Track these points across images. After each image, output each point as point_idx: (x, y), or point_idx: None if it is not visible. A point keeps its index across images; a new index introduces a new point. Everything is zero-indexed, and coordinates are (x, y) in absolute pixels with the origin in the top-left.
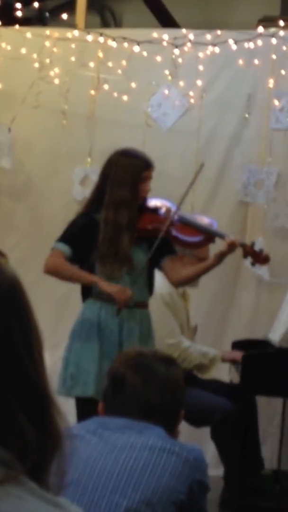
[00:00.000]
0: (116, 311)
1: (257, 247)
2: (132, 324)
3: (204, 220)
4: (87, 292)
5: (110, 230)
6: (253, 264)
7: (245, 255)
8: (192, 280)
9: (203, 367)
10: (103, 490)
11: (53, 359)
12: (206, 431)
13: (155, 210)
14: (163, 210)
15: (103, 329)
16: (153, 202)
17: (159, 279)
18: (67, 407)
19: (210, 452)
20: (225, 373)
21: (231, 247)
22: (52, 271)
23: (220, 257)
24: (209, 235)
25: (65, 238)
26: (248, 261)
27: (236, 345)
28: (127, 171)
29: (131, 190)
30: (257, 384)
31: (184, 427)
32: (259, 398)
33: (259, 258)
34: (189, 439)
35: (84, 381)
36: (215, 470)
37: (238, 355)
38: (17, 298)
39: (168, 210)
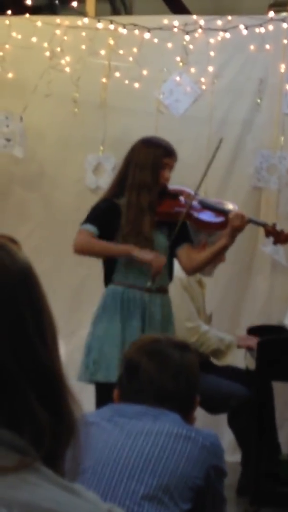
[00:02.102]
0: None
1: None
2: (154, 309)
3: (224, 204)
4: (110, 277)
5: (132, 212)
6: (274, 243)
7: (267, 235)
8: (206, 265)
9: (219, 352)
10: (120, 476)
11: (69, 347)
12: (222, 418)
13: (176, 195)
14: (183, 195)
15: (126, 315)
16: (173, 189)
17: (177, 263)
18: (84, 394)
19: (226, 438)
20: (240, 359)
21: (238, 219)
22: (82, 249)
23: (231, 234)
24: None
25: (90, 219)
26: (270, 240)
27: (251, 331)
28: (149, 156)
29: (152, 174)
30: (273, 370)
31: (200, 413)
32: (275, 384)
33: (280, 237)
34: (205, 426)
35: (107, 367)
36: (232, 456)
37: (253, 341)
38: (29, 284)
39: (188, 195)
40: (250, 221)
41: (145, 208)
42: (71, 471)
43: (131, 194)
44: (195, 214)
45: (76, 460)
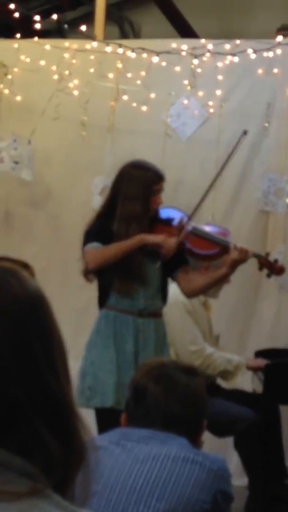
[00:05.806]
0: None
1: (272, 258)
2: (148, 334)
3: (217, 230)
4: (104, 301)
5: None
6: (268, 275)
7: (260, 267)
8: (204, 290)
9: (228, 373)
10: (127, 501)
11: (74, 370)
12: (229, 441)
13: (168, 221)
14: (176, 221)
15: (119, 340)
16: (165, 213)
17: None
18: (88, 419)
19: (233, 462)
20: (248, 383)
21: (241, 254)
22: (97, 262)
23: (232, 265)
24: (224, 247)
25: (90, 240)
26: (264, 273)
27: (259, 354)
28: (138, 185)
29: (142, 204)
30: (280, 393)
31: (207, 437)
32: (282, 407)
33: (274, 269)
34: (212, 449)
35: (103, 392)
36: (239, 480)
37: (263, 362)
38: (39, 312)
39: (181, 221)
40: (254, 255)
41: None
42: (81, 496)
43: (120, 225)
44: (188, 245)
45: (85, 485)
